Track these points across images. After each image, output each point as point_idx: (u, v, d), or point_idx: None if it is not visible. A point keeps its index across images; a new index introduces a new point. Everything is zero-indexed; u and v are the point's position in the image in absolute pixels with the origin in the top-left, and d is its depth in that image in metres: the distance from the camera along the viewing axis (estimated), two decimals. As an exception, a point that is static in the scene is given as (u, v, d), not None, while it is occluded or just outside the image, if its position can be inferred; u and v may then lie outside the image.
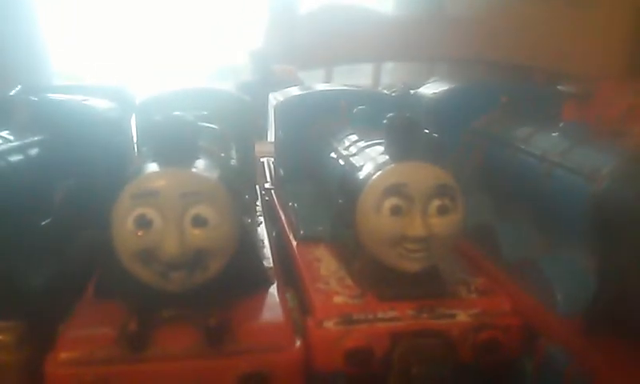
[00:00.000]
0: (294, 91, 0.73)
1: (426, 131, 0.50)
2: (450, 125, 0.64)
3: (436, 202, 0.44)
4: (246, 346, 0.40)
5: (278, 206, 0.67)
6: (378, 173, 0.44)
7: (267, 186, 0.79)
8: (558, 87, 0.68)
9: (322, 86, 0.78)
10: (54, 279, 0.45)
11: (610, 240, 0.41)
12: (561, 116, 0.64)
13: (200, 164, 0.42)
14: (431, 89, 0.71)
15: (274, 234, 0.61)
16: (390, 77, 1.86)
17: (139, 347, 0.39)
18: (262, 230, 0.59)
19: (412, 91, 0.75)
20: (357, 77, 1.87)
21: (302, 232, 0.57)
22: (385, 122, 0.47)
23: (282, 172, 0.70)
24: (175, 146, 0.41)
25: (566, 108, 0.65)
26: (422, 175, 0.44)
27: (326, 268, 0.50)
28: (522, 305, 0.46)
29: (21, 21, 1.68)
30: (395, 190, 0.43)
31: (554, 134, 0.53)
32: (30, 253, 0.46)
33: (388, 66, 1.91)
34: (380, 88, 1.21)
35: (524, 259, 0.48)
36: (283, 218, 0.63)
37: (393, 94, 0.77)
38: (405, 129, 0.46)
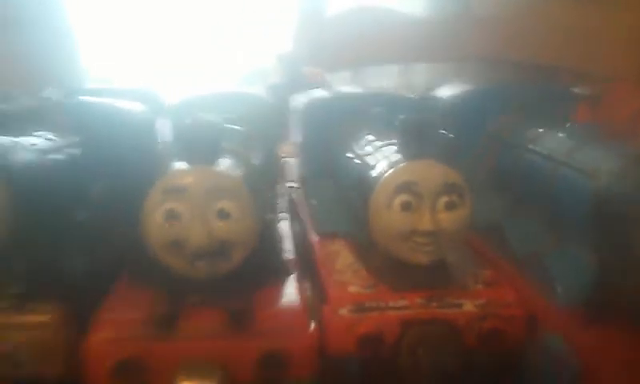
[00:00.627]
0: (317, 94, 0.77)
1: (440, 132, 0.53)
2: (466, 126, 0.67)
3: (444, 199, 0.46)
4: (265, 329, 0.43)
5: (301, 203, 0.70)
6: (390, 171, 0.47)
7: (293, 184, 0.82)
8: (573, 89, 0.71)
9: (344, 89, 0.81)
10: (91, 268, 0.49)
11: (608, 235, 0.43)
12: (574, 117, 0.66)
13: (224, 163, 0.46)
14: (449, 91, 0.74)
15: (297, 229, 0.65)
16: (417, 77, 1.87)
17: (167, 328, 0.43)
18: (285, 226, 0.62)
19: (432, 93, 0.78)
20: (384, 78, 1.89)
21: (321, 228, 0.60)
22: (397, 123, 0.50)
23: (304, 171, 0.73)
24: (201, 147, 0.45)
25: (579, 109, 0.68)
26: (431, 173, 0.47)
27: (342, 261, 0.53)
28: (526, 296, 0.48)
29: (55, 23, 1.74)
30: (405, 187, 0.46)
31: (561, 135, 0.55)
32: (70, 245, 0.50)
33: (416, 66, 1.92)
34: (405, 90, 1.23)
35: (530, 254, 0.51)
36: (305, 214, 0.66)
37: (414, 97, 0.79)
38: (416, 130, 0.49)
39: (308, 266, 0.56)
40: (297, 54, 1.75)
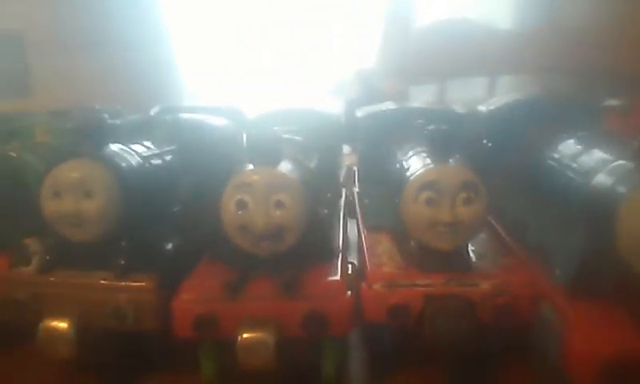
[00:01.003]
0: (372, 108, 0.88)
1: (474, 140, 0.63)
2: (503, 134, 0.76)
3: (462, 195, 0.56)
4: (310, 295, 0.55)
5: (357, 202, 0.81)
6: (417, 172, 0.58)
7: (355, 188, 0.93)
8: (603, 101, 0.78)
9: (400, 105, 0.91)
10: (180, 247, 0.63)
11: (595, 226, 0.52)
12: (603, 126, 0.74)
13: (283, 165, 0.58)
14: (490, 105, 0.83)
15: (352, 222, 0.77)
16: (504, 89, 1.90)
17: (235, 292, 0.55)
18: (341, 220, 0.74)
19: (477, 106, 0.87)
20: (471, 90, 1.93)
21: (369, 222, 0.71)
22: (425, 133, 0.61)
23: (362, 175, 0.85)
24: (264, 152, 0.57)
25: (609, 119, 0.75)
26: (451, 174, 0.57)
27: (382, 248, 0.64)
28: (534, 278, 0.57)
29: (161, 49, 1.94)
30: (429, 185, 0.56)
31: (574, 142, 0.63)
32: (165, 229, 0.64)
33: (503, 78, 1.94)
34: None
35: (540, 242, 0.60)
36: (359, 211, 0.77)
37: (459, 110, 0.88)
38: (439, 139, 0.59)
39: (358, 252, 0.67)
40: (373, 69, 1.84)
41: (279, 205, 0.55)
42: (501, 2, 1.97)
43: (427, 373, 0.61)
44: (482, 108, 0.82)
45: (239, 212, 0.55)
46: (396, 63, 2.03)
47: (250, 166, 0.57)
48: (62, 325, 0.55)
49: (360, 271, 0.61)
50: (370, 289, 0.57)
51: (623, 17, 1.48)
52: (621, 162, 0.53)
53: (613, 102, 0.76)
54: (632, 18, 1.45)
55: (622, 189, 0.49)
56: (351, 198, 0.85)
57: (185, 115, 0.81)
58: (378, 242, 0.66)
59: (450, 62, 1.94)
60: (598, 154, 0.58)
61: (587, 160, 0.58)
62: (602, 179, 0.53)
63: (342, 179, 0.91)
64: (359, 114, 0.87)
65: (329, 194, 0.75)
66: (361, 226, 0.72)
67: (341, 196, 0.84)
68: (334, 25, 2.12)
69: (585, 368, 0.47)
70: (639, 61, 1.40)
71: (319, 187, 0.66)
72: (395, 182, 0.65)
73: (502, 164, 0.75)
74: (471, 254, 0.60)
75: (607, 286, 0.50)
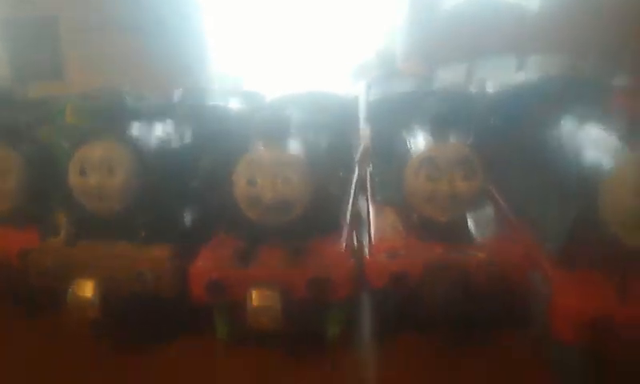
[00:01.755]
0: (385, 90, 0.91)
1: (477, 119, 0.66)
2: (510, 114, 0.79)
3: (460, 172, 0.60)
4: (315, 261, 0.59)
5: (368, 180, 0.85)
6: (419, 150, 0.62)
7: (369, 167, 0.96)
8: (610, 80, 0.80)
9: (412, 86, 0.94)
10: (197, 220, 0.68)
11: (584, 202, 0.54)
12: (610, 106, 0.76)
13: (291, 145, 0.62)
14: (497, 85, 0.85)
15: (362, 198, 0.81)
16: (532, 69, 1.88)
17: (245, 260, 0.59)
18: (351, 196, 0.78)
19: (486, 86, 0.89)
20: (501, 70, 1.92)
21: (377, 198, 0.75)
22: (430, 114, 0.64)
23: (374, 154, 0.88)
24: (272, 133, 0.61)
25: (616, 99, 0.77)
26: (449, 152, 0.60)
27: (387, 222, 0.67)
28: (528, 248, 0.60)
29: (192, 33, 1.98)
30: (428, 161, 0.60)
31: (573, 121, 0.66)
32: (183, 203, 0.68)
33: (532, 58, 1.92)
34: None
35: (536, 216, 0.63)
36: (370, 188, 0.81)
37: (470, 92, 0.91)
38: (440, 120, 0.63)
39: (366, 225, 0.71)
40: (395, 50, 1.85)
41: (285, 180, 0.59)
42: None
43: (425, 334, 0.65)
44: (490, 88, 0.85)
45: (249, 187, 0.59)
46: (421, 44, 2.03)
47: (261, 146, 0.61)
48: (88, 290, 0.60)
49: (368, 242, 0.65)
50: (374, 258, 0.61)
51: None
52: (609, 138, 0.56)
53: (622, 81, 0.77)
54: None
55: (606, 163, 0.52)
56: (364, 176, 0.89)
57: (204, 99, 0.86)
58: (384, 217, 0.69)
59: (477, 43, 1.92)
60: (592, 132, 0.60)
61: (581, 137, 0.60)
62: (590, 155, 0.55)
63: (357, 158, 0.94)
64: (371, 95, 0.91)
65: (341, 173, 0.79)
66: (370, 202, 0.76)
67: (353, 174, 0.87)
68: (357, 6, 2.13)
69: (568, 329, 0.51)
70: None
71: (329, 165, 0.70)
72: (402, 160, 0.69)
73: (507, 142, 0.77)
74: (469, 226, 0.64)
75: (591, 255, 0.53)
